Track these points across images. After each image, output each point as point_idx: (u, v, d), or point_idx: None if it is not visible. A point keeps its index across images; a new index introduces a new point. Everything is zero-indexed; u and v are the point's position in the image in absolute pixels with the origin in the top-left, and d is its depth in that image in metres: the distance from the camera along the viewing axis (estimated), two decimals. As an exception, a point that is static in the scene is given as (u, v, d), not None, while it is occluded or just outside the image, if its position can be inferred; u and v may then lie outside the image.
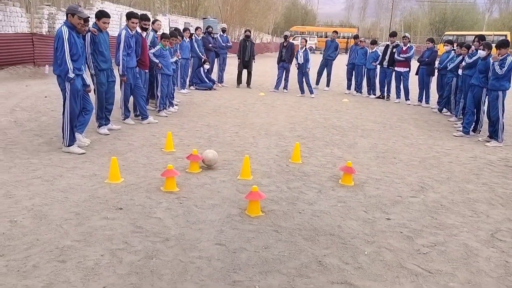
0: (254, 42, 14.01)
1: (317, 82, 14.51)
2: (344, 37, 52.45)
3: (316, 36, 52.46)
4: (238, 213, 3.85)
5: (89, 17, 5.46)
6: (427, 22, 61.26)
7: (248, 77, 13.74)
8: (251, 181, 4.77)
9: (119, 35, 6.86)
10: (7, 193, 3.95)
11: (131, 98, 7.54)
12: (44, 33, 15.85)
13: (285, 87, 13.22)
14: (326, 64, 14.26)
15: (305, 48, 12.19)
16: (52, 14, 16.57)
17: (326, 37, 40.41)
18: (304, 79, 12.42)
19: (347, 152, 6.38)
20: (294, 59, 12.70)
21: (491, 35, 38.21)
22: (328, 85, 14.43)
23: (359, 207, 4.19)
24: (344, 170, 4.94)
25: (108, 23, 6.28)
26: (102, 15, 6.20)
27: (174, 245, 3.18)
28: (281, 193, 4.45)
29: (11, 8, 14.49)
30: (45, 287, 2.56)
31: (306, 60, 12.15)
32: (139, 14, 7.52)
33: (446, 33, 45.67)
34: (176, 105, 9.21)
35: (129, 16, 6.98)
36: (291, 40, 13.77)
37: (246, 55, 13.37)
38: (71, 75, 5.17)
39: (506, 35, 38.45)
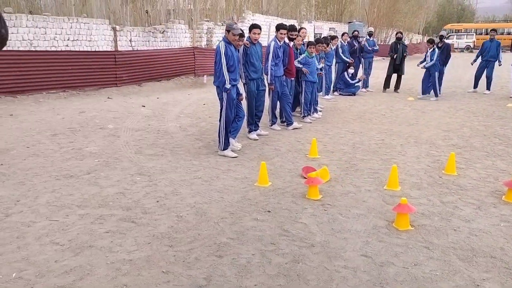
0: (406, 44, 13.34)
1: (475, 85, 13.11)
2: (509, 33, 46.46)
3: (474, 34, 47.48)
4: (385, 225, 3.72)
5: (242, 32, 5.87)
6: None
7: (398, 80, 13.14)
8: (399, 192, 4.56)
9: (268, 45, 7.24)
10: (174, 191, 4.51)
11: (278, 105, 7.87)
12: (203, 46, 17.57)
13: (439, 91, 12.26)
14: (487, 66, 12.77)
15: (434, 48, 11.60)
16: (210, 28, 18.27)
17: (487, 33, 36.13)
18: (432, 80, 11.76)
19: (513, 165, 5.65)
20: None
21: None
22: (488, 88, 12.91)
23: (528, 229, 3.68)
24: (509, 186, 4.38)
25: (258, 34, 6.65)
26: (252, 26, 6.66)
27: (319, 252, 3.23)
28: (433, 207, 4.16)
29: (177, 26, 16.43)
30: (206, 279, 2.85)
31: (432, 60, 11.55)
32: (287, 25, 7.83)
33: None
34: (320, 111, 9.31)
35: (278, 27, 7.30)
36: (446, 41, 12.78)
37: (398, 58, 12.79)
38: (228, 85, 5.65)
39: None
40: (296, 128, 7.73)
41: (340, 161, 5.78)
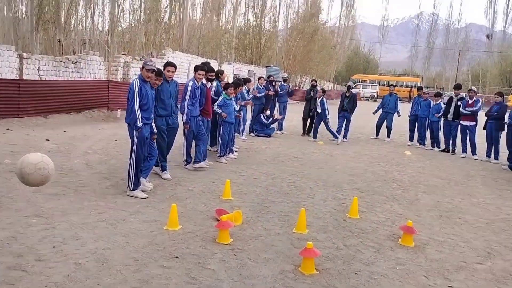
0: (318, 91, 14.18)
1: (377, 133, 14.21)
2: (407, 86, 51.70)
3: (378, 85, 52.12)
4: (292, 270, 3.79)
5: (154, 69, 5.78)
6: (496, 72, 58.69)
7: (310, 124, 13.78)
8: (306, 235, 4.70)
9: (186, 86, 7.29)
10: (74, 235, 4.19)
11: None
12: (119, 80, 17.12)
13: (345, 136, 13.13)
14: (386, 117, 14.03)
15: (322, 98, 12.59)
16: (127, 62, 17.92)
17: (389, 85, 39.96)
18: (325, 126, 12.76)
19: (408, 209, 6.13)
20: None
21: None
22: (388, 136, 14.09)
23: (419, 271, 3.97)
24: (404, 230, 4.74)
25: (172, 72, 6.62)
26: (167, 64, 6.69)
27: (226, 300, 3.18)
28: (337, 250, 4.34)
29: (91, 57, 15.87)
30: (102, 334, 2.64)
31: (323, 109, 12.47)
32: (205, 66, 7.95)
33: (518, 83, 43.45)
34: (236, 151, 9.43)
35: (196, 68, 7.41)
36: (353, 90, 13.84)
37: (312, 104, 13.54)
38: (139, 124, 5.53)
39: None
40: (202, 168, 7.63)
41: (252, 203, 5.84)
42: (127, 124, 5.67)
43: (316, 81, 14.71)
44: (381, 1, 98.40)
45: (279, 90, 13.90)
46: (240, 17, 39.84)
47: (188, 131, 7.42)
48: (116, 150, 8.84)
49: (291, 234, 4.72)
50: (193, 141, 7.62)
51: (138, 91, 5.54)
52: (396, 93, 14.54)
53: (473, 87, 11.89)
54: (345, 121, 13.11)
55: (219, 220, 4.67)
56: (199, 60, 24.63)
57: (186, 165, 7.64)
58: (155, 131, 6.07)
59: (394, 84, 15.66)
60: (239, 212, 5.05)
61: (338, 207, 5.94)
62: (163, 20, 25.54)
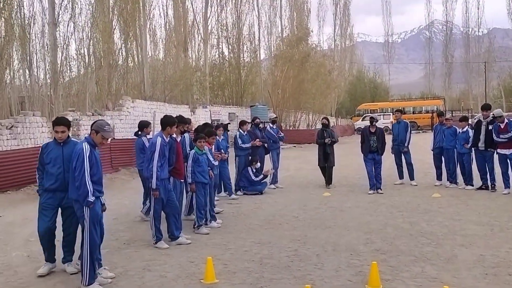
0: (333, 131, 14.03)
1: (400, 176, 13.89)
2: (427, 112, 52.55)
3: (391, 113, 52.94)
4: None
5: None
6: (534, 83, 60.07)
7: (329, 173, 13.53)
8: (316, 321, 4.57)
9: (153, 143, 7.30)
10: None
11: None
12: (68, 143, 17.17)
13: (379, 187, 12.65)
14: (400, 151, 13.73)
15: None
16: (76, 120, 18.04)
17: (404, 113, 40.76)
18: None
19: (444, 269, 6.06)
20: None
21: None
22: (412, 177, 13.70)
23: None
24: (441, 299, 4.64)
25: (62, 132, 6.12)
26: (54, 122, 6.28)
27: None
28: (356, 337, 4.20)
29: (30, 119, 15.98)
30: None
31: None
32: (177, 116, 8.10)
33: None
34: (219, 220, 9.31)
35: (171, 122, 7.51)
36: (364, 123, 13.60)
37: (326, 147, 13.35)
38: (91, 198, 5.49)
39: None
40: (183, 243, 7.56)
41: (244, 284, 5.74)
42: (73, 201, 5.63)
43: (327, 119, 14.28)
44: (382, 15, 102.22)
45: (273, 133, 13.84)
46: (212, 50, 40.91)
47: (155, 200, 7.35)
48: (67, 233, 8.69)
49: (296, 321, 4.59)
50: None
51: (88, 158, 5.55)
52: (404, 120, 14.16)
53: (498, 110, 11.84)
54: (373, 164, 12.59)
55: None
56: (166, 108, 24.99)
57: (156, 243, 7.50)
58: (104, 202, 5.99)
59: (402, 109, 15.40)
60: (226, 299, 4.92)
61: (354, 277, 5.85)
62: (118, 64, 25.97)
